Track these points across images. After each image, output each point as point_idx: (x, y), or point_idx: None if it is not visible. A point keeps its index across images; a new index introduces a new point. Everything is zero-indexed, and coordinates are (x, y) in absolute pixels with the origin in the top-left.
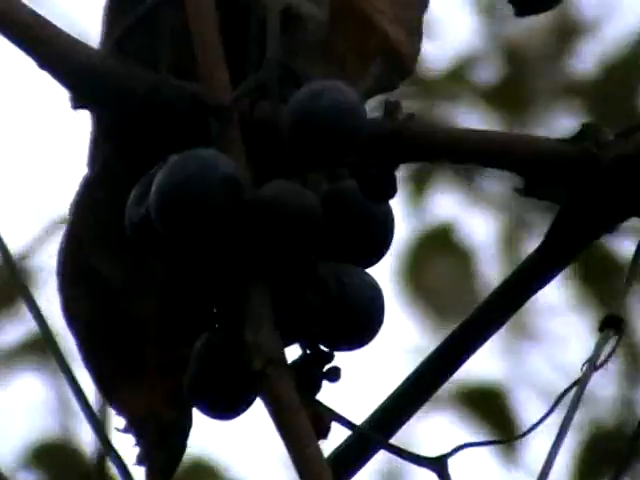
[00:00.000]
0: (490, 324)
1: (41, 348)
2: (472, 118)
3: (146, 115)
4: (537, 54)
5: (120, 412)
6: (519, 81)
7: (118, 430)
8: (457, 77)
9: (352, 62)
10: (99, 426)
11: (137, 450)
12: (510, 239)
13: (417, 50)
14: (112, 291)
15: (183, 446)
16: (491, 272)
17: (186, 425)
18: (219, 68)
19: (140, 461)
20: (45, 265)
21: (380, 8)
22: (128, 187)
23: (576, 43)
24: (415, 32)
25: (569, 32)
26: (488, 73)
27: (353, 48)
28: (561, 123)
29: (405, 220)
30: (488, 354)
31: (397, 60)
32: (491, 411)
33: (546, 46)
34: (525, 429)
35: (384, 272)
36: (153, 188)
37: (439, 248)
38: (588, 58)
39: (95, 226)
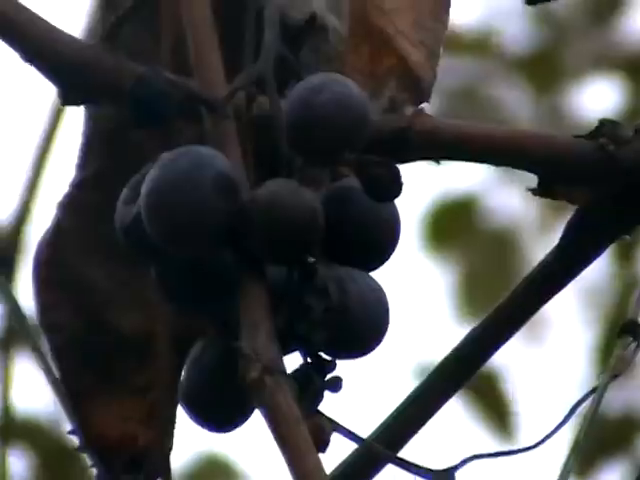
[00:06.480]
0: (505, 329)
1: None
2: (501, 89)
3: (135, 110)
4: (574, 23)
5: (89, 430)
6: (554, 51)
7: (77, 450)
8: (487, 46)
9: (360, 81)
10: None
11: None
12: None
13: (435, 74)
14: (96, 302)
15: (165, 466)
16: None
17: (166, 446)
18: (213, 61)
19: None
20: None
21: (402, 29)
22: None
23: (616, 14)
24: (434, 56)
25: (609, 3)
26: (521, 42)
27: (364, 67)
28: (598, 97)
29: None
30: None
31: (415, 84)
32: (489, 396)
33: (584, 15)
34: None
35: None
36: (143, 187)
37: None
38: (628, 30)
39: (84, 232)
